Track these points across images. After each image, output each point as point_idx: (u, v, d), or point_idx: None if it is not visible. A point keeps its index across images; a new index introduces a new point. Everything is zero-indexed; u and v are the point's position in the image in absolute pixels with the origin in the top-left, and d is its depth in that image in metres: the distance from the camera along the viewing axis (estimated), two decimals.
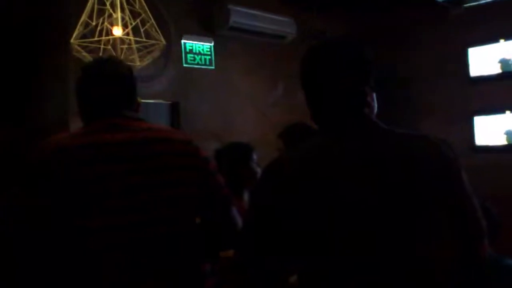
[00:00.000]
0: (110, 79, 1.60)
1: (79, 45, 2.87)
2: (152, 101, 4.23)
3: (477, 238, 1.24)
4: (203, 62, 4.67)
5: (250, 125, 4.84)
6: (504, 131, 5.24)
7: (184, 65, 4.54)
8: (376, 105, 1.29)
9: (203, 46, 4.67)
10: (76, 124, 1.74)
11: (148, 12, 3.01)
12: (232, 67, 4.98)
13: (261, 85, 5.22)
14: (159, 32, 3.08)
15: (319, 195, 1.13)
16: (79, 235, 1.41)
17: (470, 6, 4.98)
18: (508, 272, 2.20)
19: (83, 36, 2.90)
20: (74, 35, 2.87)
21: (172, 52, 4.36)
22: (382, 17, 5.96)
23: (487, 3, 4.92)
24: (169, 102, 4.51)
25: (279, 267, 1.22)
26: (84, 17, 2.84)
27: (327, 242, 1.12)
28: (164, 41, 3.09)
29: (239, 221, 1.62)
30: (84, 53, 2.84)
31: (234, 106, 4.94)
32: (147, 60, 3.12)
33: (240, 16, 4.66)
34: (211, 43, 4.72)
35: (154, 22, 3.01)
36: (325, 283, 1.14)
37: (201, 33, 4.68)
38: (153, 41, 3.00)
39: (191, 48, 4.57)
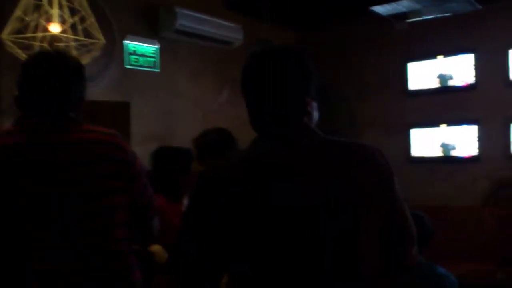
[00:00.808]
0: (55, 75, 1.52)
1: (12, 41, 2.73)
2: (93, 101, 4.10)
3: (406, 245, 1.25)
4: (147, 64, 4.58)
5: (195, 130, 4.72)
6: (440, 143, 5.45)
7: (127, 66, 4.44)
8: (316, 114, 1.29)
9: (148, 48, 4.59)
10: (8, 124, 1.65)
11: (89, 10, 2.91)
12: (178, 70, 4.93)
13: (206, 90, 5.19)
14: (99, 31, 2.98)
15: (252, 201, 1.14)
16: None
17: (413, 22, 5.15)
18: (438, 279, 2.27)
19: (18, 32, 2.77)
20: (7, 30, 2.73)
21: (114, 52, 4.25)
22: (329, 29, 6.08)
23: (428, 20, 5.10)
24: (111, 103, 4.39)
25: (216, 270, 1.22)
26: (18, 11, 2.71)
27: (259, 246, 1.14)
28: (104, 40, 3.00)
29: (156, 231, 1.67)
30: (18, 50, 2.71)
31: (178, 110, 4.88)
32: (86, 59, 3.01)
33: (187, 19, 4.61)
34: (156, 45, 4.64)
35: (94, 21, 2.91)
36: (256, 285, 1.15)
37: (146, 35, 4.60)
38: (92, 40, 2.90)
39: (134, 49, 4.48)
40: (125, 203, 1.56)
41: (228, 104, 5.17)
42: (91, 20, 2.90)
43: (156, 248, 2.48)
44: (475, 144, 5.24)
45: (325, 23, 5.98)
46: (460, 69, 5.37)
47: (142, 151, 2.96)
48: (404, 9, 4.89)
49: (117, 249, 1.56)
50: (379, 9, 4.86)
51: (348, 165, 1.17)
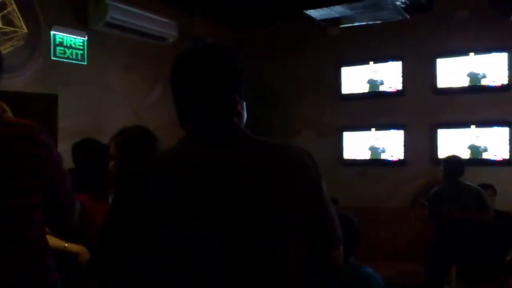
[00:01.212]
0: None
1: None
2: (17, 92, 3.85)
3: (331, 247, 1.26)
4: (74, 57, 4.39)
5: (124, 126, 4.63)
6: (369, 146, 5.59)
7: (53, 58, 4.23)
8: (245, 114, 1.27)
9: (76, 39, 4.39)
10: None
11: None
12: (107, 64, 4.77)
13: (138, 86, 5.06)
14: (21, 19, 2.78)
15: (181, 204, 1.09)
16: None
17: (347, 28, 5.25)
18: (365, 279, 2.29)
19: None
20: None
21: (40, 43, 4.02)
22: (265, 29, 6.09)
23: (361, 26, 5.22)
24: (37, 95, 4.15)
25: (144, 276, 1.14)
26: None
27: (183, 254, 1.09)
28: (25, 30, 2.81)
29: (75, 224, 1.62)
30: None
31: (107, 105, 4.73)
32: (6, 47, 2.81)
33: (118, 12, 4.46)
34: (84, 37, 4.45)
35: (15, 8, 2.72)
36: None
37: (74, 26, 4.40)
38: (11, 28, 2.70)
39: (61, 40, 4.26)
40: (41, 201, 1.46)
41: (161, 102, 5.06)
42: (12, 7, 2.71)
43: (78, 248, 2.37)
44: (402, 149, 5.42)
45: (261, 23, 5.99)
46: (389, 75, 5.55)
47: (68, 146, 2.81)
48: (337, 15, 4.97)
49: (32, 249, 1.47)
50: (313, 13, 4.92)
51: (278, 168, 1.16)
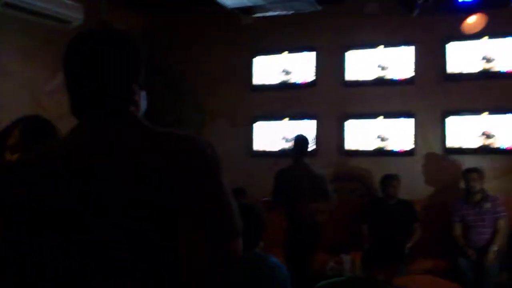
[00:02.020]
0: None
1: None
2: None
3: (230, 238, 1.22)
4: None
5: (23, 114, 4.34)
6: (281, 137, 5.62)
7: None
8: (144, 104, 1.24)
9: None
10: None
11: None
12: (5, 48, 4.50)
13: (39, 71, 4.82)
14: None
15: (56, 198, 1.05)
16: None
17: (260, 17, 5.23)
18: (270, 270, 2.28)
19: None
20: None
21: None
22: (176, 16, 5.95)
23: (275, 16, 5.22)
24: None
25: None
26: None
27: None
28: None
29: None
30: None
31: (4, 91, 4.46)
32: None
33: None
34: None
35: None
36: None
37: None
38: None
39: None
40: None
41: (63, 89, 4.78)
42: None
43: None
44: (313, 139, 5.49)
45: (172, 10, 5.84)
46: (302, 66, 5.61)
47: None
48: (249, 4, 4.94)
49: None
50: (224, 1, 4.85)
51: (174, 159, 1.12)
